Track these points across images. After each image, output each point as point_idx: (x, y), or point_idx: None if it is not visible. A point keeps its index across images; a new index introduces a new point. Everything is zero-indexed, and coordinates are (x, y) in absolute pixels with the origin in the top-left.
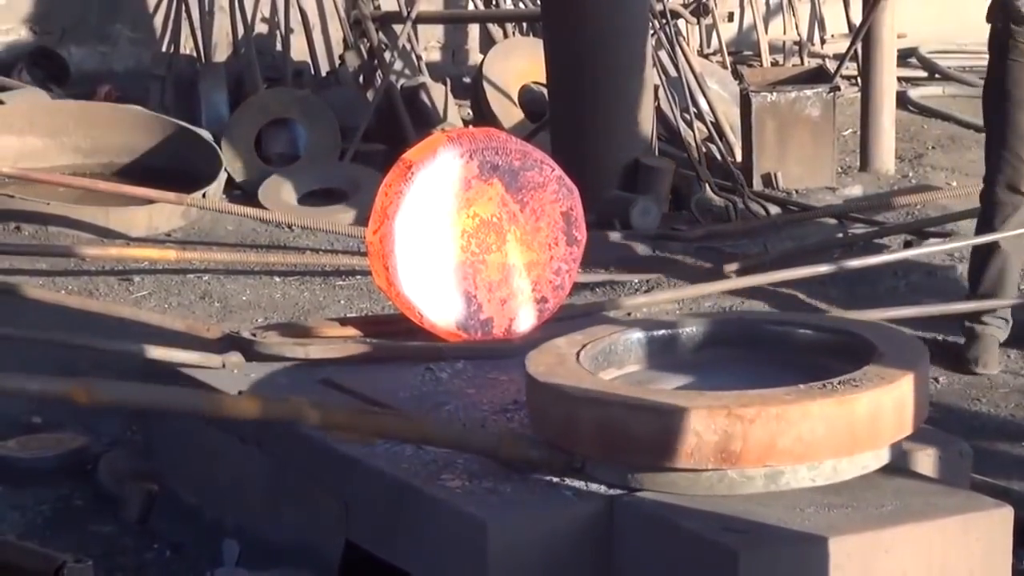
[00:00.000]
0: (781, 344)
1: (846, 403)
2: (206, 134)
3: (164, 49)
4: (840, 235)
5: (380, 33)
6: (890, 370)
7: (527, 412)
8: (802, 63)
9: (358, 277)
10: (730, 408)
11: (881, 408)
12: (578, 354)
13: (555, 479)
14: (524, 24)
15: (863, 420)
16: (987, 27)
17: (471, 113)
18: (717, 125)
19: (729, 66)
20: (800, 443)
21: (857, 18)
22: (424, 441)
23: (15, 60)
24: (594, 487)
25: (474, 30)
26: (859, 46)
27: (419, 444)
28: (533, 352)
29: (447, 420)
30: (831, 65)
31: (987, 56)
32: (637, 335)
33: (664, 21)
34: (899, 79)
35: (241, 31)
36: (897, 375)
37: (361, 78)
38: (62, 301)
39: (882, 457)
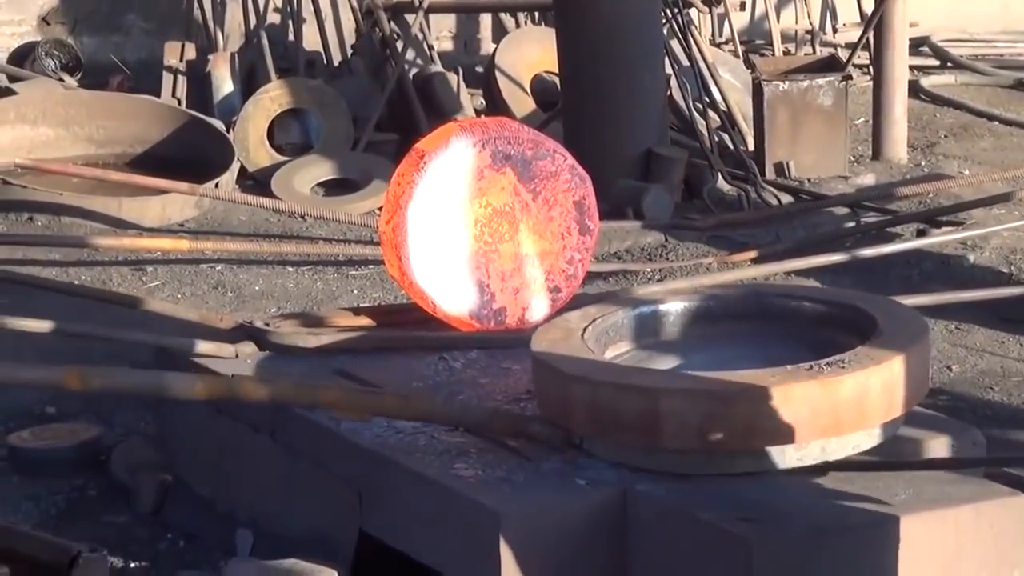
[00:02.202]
0: (788, 319)
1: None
2: (218, 124)
3: (176, 39)
4: (853, 224)
5: (392, 23)
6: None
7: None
8: (814, 52)
9: (371, 267)
10: (711, 390)
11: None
12: (584, 331)
13: (567, 468)
14: (536, 13)
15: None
16: (992, 18)
17: (483, 102)
18: (729, 114)
19: (741, 55)
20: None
21: (869, 7)
22: (420, 417)
23: (28, 50)
24: (605, 473)
25: (486, 19)
26: (871, 35)
27: (415, 420)
28: (540, 328)
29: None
30: (843, 54)
31: (1000, 44)
32: (642, 311)
33: (676, 10)
34: (911, 68)
35: (253, 21)
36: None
37: (373, 68)
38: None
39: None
